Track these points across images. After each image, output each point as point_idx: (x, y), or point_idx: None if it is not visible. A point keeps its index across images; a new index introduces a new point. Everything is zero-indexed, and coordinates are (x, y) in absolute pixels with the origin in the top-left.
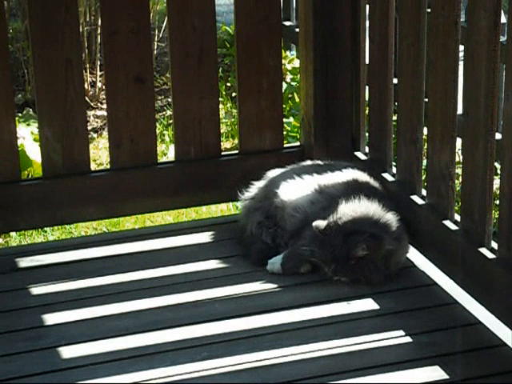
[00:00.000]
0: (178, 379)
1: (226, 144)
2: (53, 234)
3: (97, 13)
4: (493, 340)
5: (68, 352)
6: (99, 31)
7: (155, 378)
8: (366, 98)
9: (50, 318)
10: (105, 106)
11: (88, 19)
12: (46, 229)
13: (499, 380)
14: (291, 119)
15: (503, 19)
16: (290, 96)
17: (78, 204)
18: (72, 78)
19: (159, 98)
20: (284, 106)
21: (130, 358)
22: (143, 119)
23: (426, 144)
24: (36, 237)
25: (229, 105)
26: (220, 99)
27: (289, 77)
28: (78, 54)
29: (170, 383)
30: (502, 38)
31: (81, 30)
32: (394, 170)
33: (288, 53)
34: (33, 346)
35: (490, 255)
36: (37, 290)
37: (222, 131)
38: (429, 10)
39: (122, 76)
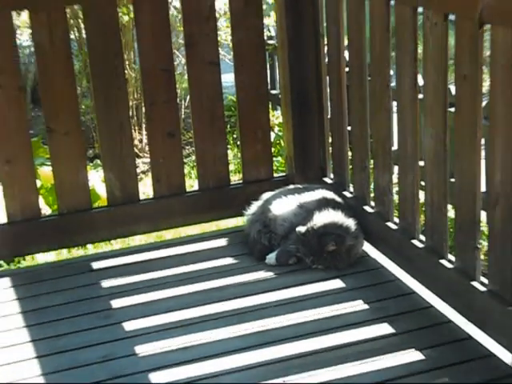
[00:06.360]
0: (210, 340)
1: (234, 177)
2: (116, 245)
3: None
4: (424, 303)
5: (129, 326)
6: (143, 103)
7: (193, 340)
8: (330, 140)
9: (116, 303)
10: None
11: (136, 96)
12: (111, 241)
13: (432, 331)
14: (279, 158)
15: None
16: (278, 142)
17: (132, 223)
18: (124, 136)
19: (187, 148)
20: (274, 149)
21: (174, 328)
22: (175, 162)
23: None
24: (105, 247)
25: (236, 150)
26: (229, 146)
27: (276, 129)
28: (127, 118)
29: (206, 343)
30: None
31: (131, 103)
32: (352, 189)
33: (275, 112)
34: (105, 322)
35: (420, 245)
36: (106, 283)
37: (231, 168)
38: (369, 78)
39: (159, 133)
